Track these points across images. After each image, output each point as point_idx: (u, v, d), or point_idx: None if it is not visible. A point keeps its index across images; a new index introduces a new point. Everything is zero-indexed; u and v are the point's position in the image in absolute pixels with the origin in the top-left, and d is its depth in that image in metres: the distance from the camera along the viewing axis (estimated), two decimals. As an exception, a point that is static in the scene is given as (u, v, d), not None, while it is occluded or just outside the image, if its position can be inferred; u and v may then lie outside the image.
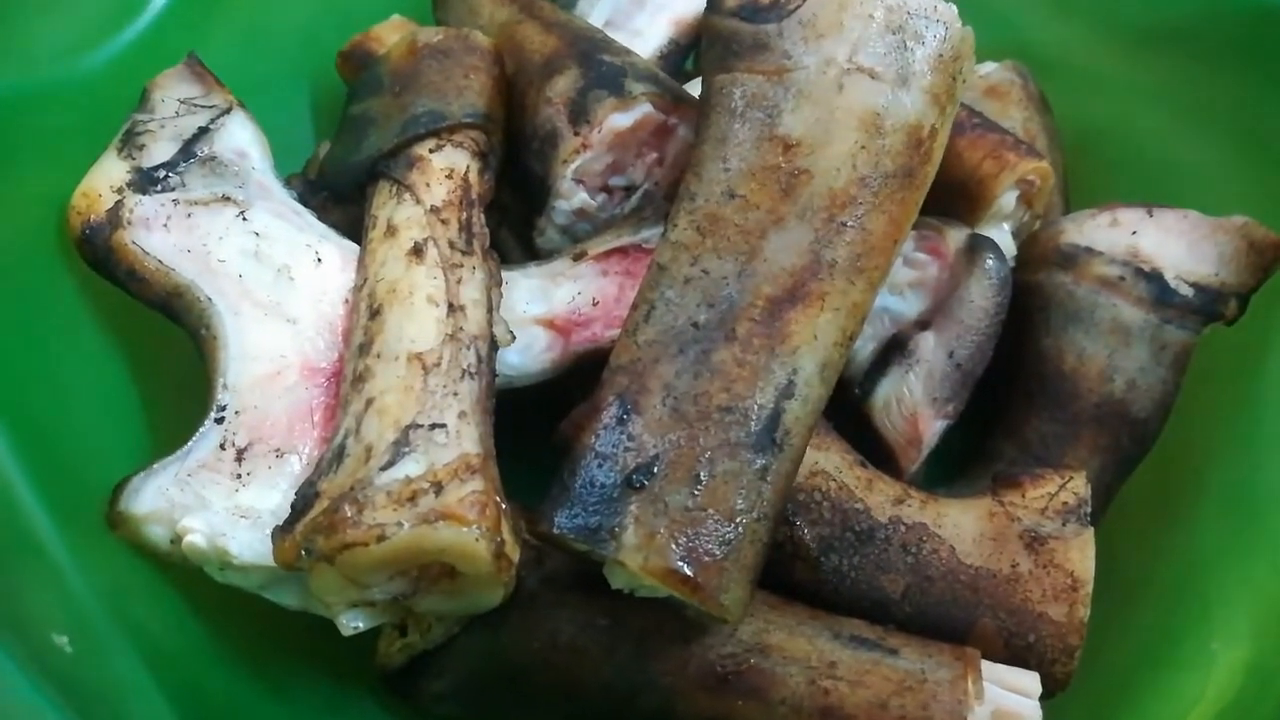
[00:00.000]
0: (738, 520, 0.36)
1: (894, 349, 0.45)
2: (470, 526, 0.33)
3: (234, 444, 0.39)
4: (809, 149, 0.38)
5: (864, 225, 0.38)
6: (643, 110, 0.45)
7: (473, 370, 0.38)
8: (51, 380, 0.41)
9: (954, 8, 0.39)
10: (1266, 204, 0.46)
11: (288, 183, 0.47)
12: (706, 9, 0.40)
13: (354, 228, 0.45)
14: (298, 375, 0.41)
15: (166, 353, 0.43)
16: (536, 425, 0.44)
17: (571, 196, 0.46)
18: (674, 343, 0.38)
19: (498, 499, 0.35)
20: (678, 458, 0.36)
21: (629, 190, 0.48)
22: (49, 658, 0.33)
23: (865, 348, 0.46)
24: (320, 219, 0.45)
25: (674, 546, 0.35)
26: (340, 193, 0.46)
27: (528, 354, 0.44)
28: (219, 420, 0.40)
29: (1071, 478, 0.41)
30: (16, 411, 0.39)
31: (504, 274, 0.44)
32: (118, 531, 0.37)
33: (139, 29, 0.49)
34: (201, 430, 0.39)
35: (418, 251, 0.41)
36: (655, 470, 0.36)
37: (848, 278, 0.38)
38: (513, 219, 0.50)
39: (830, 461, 0.43)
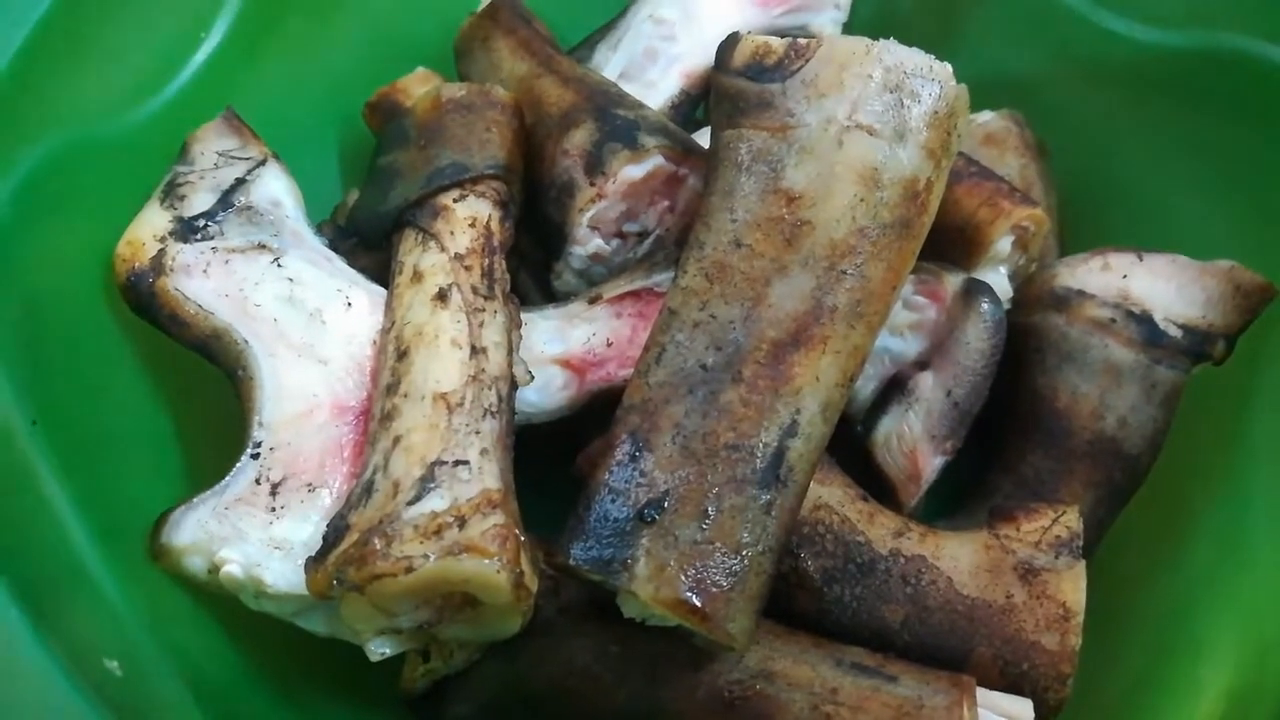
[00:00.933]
0: (744, 553, 0.38)
1: (894, 388, 0.47)
2: (492, 559, 0.36)
3: (269, 479, 0.41)
4: (811, 201, 0.40)
5: (863, 273, 0.40)
6: (655, 162, 0.47)
7: (494, 409, 0.41)
8: (98, 419, 0.44)
9: (949, 67, 0.41)
10: (1252, 248, 0.48)
11: (319, 230, 0.49)
12: (715, 68, 0.43)
13: (382, 272, 0.47)
14: (328, 413, 0.43)
15: (204, 393, 0.46)
16: (553, 458, 0.47)
17: (587, 242, 0.49)
18: (684, 383, 0.40)
19: (517, 532, 0.37)
20: (687, 493, 0.38)
21: (641, 235, 0.50)
22: (102, 681, 0.35)
23: (867, 386, 0.48)
24: (350, 264, 0.48)
25: (683, 578, 0.37)
26: (369, 239, 0.49)
27: (545, 392, 0.46)
28: (254, 456, 0.42)
29: (1064, 512, 0.43)
30: (67, 448, 0.41)
31: (523, 316, 0.47)
32: (160, 562, 0.40)
33: (179, 85, 0.51)
34: (238, 466, 0.42)
35: (442, 296, 0.43)
36: (666, 505, 0.38)
37: (848, 322, 0.40)
38: (531, 263, 0.53)
39: (833, 495, 0.45)
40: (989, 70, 0.58)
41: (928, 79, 0.41)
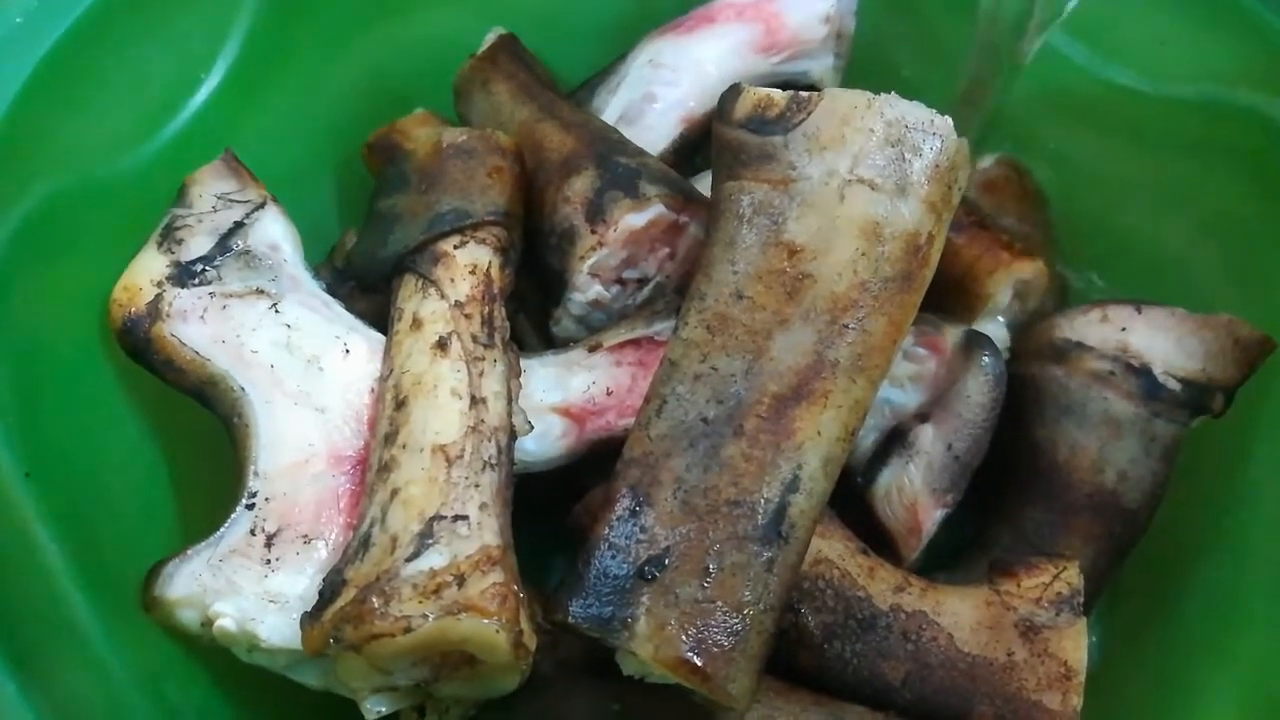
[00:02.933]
0: (745, 612, 0.37)
1: (895, 440, 0.47)
2: (491, 618, 0.35)
3: (264, 530, 0.41)
4: (812, 255, 0.40)
5: (865, 327, 0.40)
6: (656, 210, 0.47)
7: (493, 461, 0.40)
8: (92, 468, 0.43)
9: (949, 120, 0.41)
10: (1251, 302, 0.48)
11: (317, 273, 0.49)
12: (716, 119, 0.43)
13: (380, 316, 0.47)
14: (325, 463, 0.42)
15: (200, 441, 0.45)
16: (551, 506, 0.46)
17: (587, 289, 0.49)
18: (684, 437, 0.40)
19: (516, 589, 0.37)
20: (688, 550, 0.38)
21: (642, 282, 0.50)
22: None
23: (867, 438, 0.48)
24: (348, 308, 0.48)
25: (684, 637, 0.36)
26: (367, 284, 0.49)
27: (544, 441, 0.46)
28: (250, 506, 0.41)
29: (1065, 568, 0.43)
30: (59, 498, 0.41)
31: (523, 363, 0.46)
32: (152, 614, 0.39)
33: (178, 126, 0.51)
34: (233, 517, 0.41)
35: (442, 345, 0.43)
36: (666, 562, 0.38)
37: (850, 376, 0.40)
38: (530, 308, 0.53)
39: (834, 550, 0.44)
40: (991, 118, 0.59)
41: (929, 133, 0.41)
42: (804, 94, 0.41)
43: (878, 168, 0.40)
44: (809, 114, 0.41)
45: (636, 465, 0.40)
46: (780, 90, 0.41)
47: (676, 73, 0.57)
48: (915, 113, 0.40)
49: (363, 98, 0.60)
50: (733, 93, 0.42)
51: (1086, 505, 0.47)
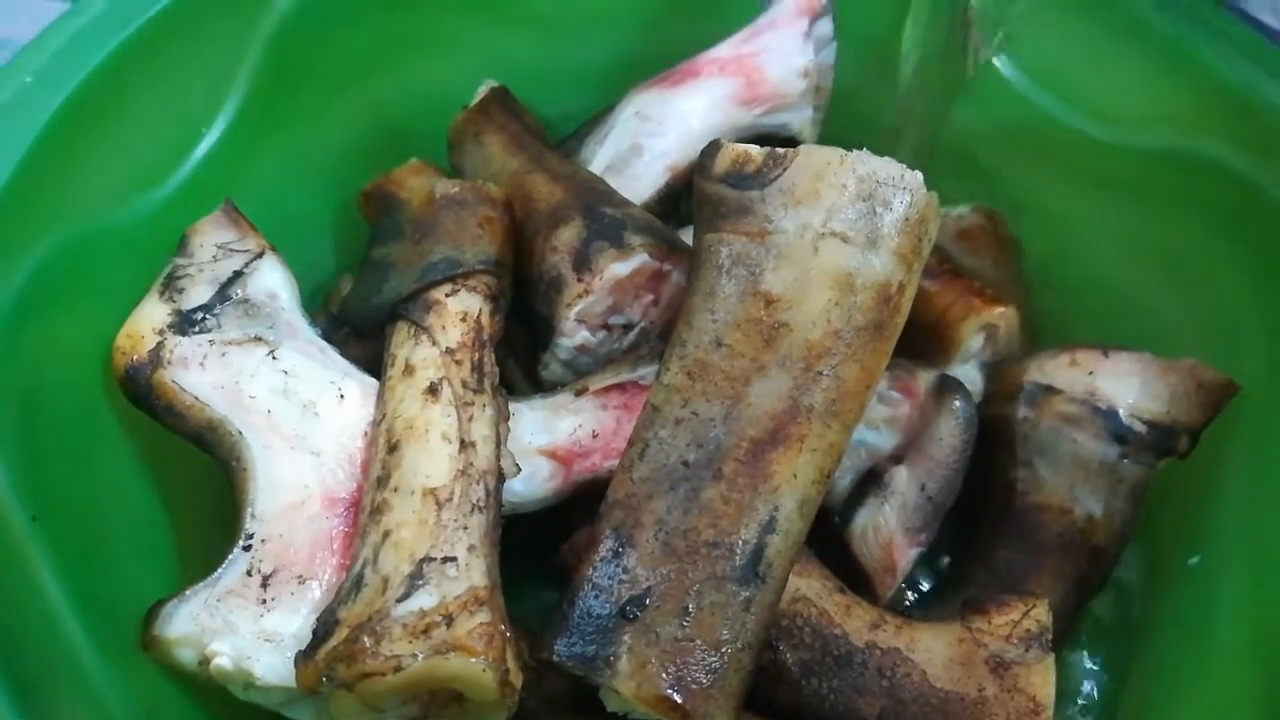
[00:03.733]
0: (723, 650, 0.39)
1: (870, 481, 0.48)
2: (479, 657, 0.36)
3: (260, 570, 0.42)
4: (788, 304, 0.42)
5: (838, 374, 0.42)
6: (640, 260, 0.49)
7: (481, 504, 0.42)
8: (93, 508, 0.45)
9: (919, 175, 0.43)
10: (1214, 346, 0.50)
11: (314, 319, 0.50)
12: (697, 173, 0.45)
13: (374, 361, 0.48)
14: (319, 505, 0.44)
15: (200, 484, 0.47)
16: (537, 544, 0.48)
17: (574, 335, 0.50)
18: (666, 480, 0.41)
19: (503, 628, 0.38)
20: (668, 590, 0.39)
21: (627, 328, 0.52)
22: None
23: (844, 479, 0.49)
24: (343, 354, 0.49)
25: (664, 675, 0.38)
26: (362, 330, 0.50)
27: (532, 482, 0.47)
28: (247, 548, 0.43)
29: (1034, 605, 0.44)
30: (61, 537, 0.42)
31: (511, 406, 0.48)
32: (150, 653, 0.41)
33: (181, 178, 0.53)
34: (230, 557, 0.42)
35: (433, 390, 0.45)
36: (647, 602, 0.39)
37: (824, 421, 0.42)
38: (520, 352, 0.54)
39: (811, 588, 0.46)
40: (966, 167, 0.61)
41: (899, 187, 0.43)
42: (780, 150, 0.43)
43: (850, 221, 0.42)
44: (784, 170, 0.43)
45: (620, 507, 0.41)
46: (757, 146, 0.43)
47: (662, 124, 0.59)
48: (886, 168, 0.42)
49: (359, 148, 0.63)
50: (712, 149, 0.44)
51: (1056, 544, 0.48)
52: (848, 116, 0.61)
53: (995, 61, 0.59)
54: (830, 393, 0.42)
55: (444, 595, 0.38)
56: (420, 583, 0.38)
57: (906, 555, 0.47)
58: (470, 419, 0.44)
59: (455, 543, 0.40)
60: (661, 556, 0.40)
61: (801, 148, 0.42)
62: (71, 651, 0.40)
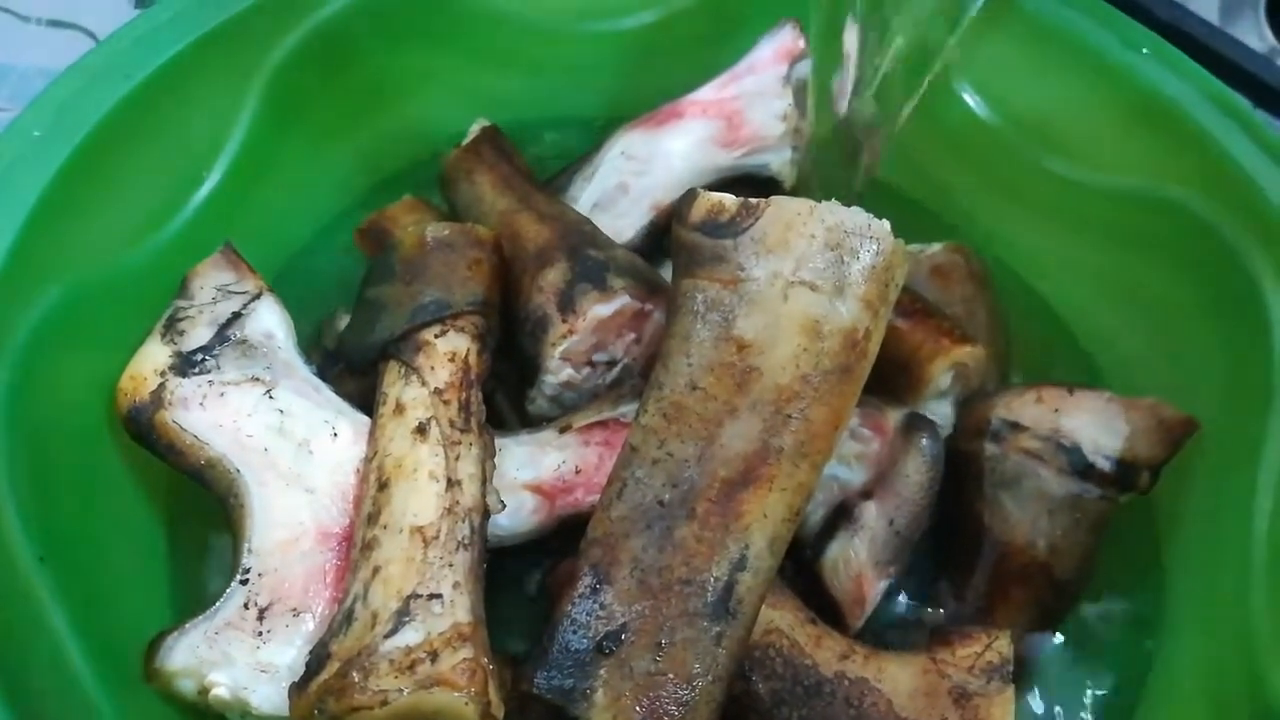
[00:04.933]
0: (695, 683, 0.41)
1: (841, 515, 0.50)
2: (461, 691, 0.39)
3: (256, 604, 0.44)
4: (759, 350, 0.44)
5: (807, 416, 0.44)
6: (621, 301, 0.51)
7: (466, 542, 0.44)
8: (98, 545, 0.47)
9: (886, 224, 0.45)
10: (1179, 385, 0.52)
11: (309, 356, 0.52)
12: (674, 222, 0.47)
13: (366, 396, 0.50)
14: (313, 540, 0.46)
15: (201, 519, 0.49)
16: (522, 576, 0.50)
17: (559, 372, 0.52)
18: (642, 519, 0.43)
19: (485, 662, 0.40)
20: (643, 626, 0.41)
21: (610, 364, 0.54)
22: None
23: (816, 513, 0.51)
24: (337, 390, 0.51)
25: (638, 708, 0.40)
26: (354, 367, 0.52)
27: (517, 516, 0.49)
28: (244, 581, 0.45)
29: (997, 637, 0.46)
30: (67, 575, 0.44)
31: (498, 441, 0.50)
32: (153, 684, 0.43)
33: (181, 222, 0.55)
34: (228, 591, 0.45)
35: (422, 430, 0.47)
36: (623, 637, 0.41)
37: (793, 462, 0.44)
38: (508, 386, 0.56)
39: (784, 620, 0.47)
40: (940, 201, 0.63)
41: (865, 236, 0.44)
42: (753, 201, 0.44)
43: (818, 270, 0.44)
44: (757, 220, 0.45)
45: (598, 545, 0.43)
46: (732, 196, 0.45)
47: (647, 164, 0.61)
48: (854, 219, 0.44)
49: (355, 186, 0.65)
50: (689, 197, 0.46)
51: (1020, 576, 0.50)
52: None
53: (970, 102, 0.61)
54: (799, 434, 0.44)
55: (429, 631, 0.40)
56: (407, 619, 0.41)
57: (875, 587, 0.49)
58: (457, 458, 0.46)
59: (441, 580, 0.42)
60: (637, 593, 0.42)
61: (774, 199, 0.44)
62: (77, 683, 0.42)
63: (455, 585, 0.42)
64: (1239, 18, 0.74)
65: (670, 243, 0.48)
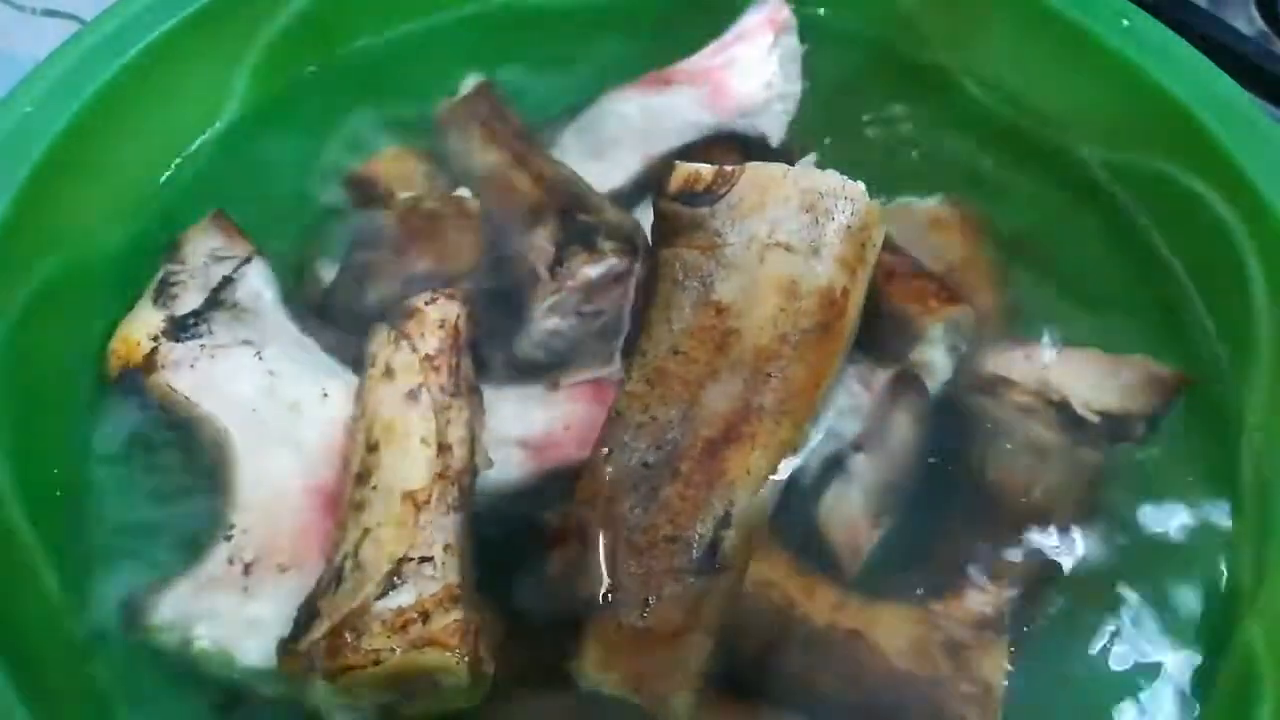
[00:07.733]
0: (682, 637, 0.42)
1: (835, 466, 0.51)
2: (453, 650, 0.40)
3: (242, 559, 0.45)
4: (738, 312, 0.44)
5: (786, 374, 0.44)
6: (609, 263, 0.51)
7: (456, 505, 0.44)
8: (85, 497, 0.48)
9: (860, 185, 0.45)
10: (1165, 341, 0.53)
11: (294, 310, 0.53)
12: (654, 194, 0.47)
13: (346, 350, 0.51)
14: (300, 496, 0.47)
15: (186, 475, 0.49)
16: (512, 533, 0.50)
17: (547, 322, 0.53)
18: (628, 481, 0.44)
19: (475, 622, 0.41)
20: (630, 584, 0.42)
21: (597, 315, 0.54)
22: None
23: (811, 464, 0.51)
24: (322, 343, 0.52)
25: (628, 663, 0.41)
26: (343, 327, 0.53)
27: (505, 469, 0.50)
28: (228, 538, 0.46)
29: (990, 590, 0.47)
30: (50, 525, 0.46)
31: (487, 396, 0.50)
32: (133, 637, 0.44)
33: (173, 189, 0.56)
34: (213, 547, 0.45)
35: (413, 395, 0.47)
36: (611, 596, 0.42)
37: (775, 419, 0.44)
38: (497, 337, 0.57)
39: (776, 571, 0.48)
40: (939, 156, 0.63)
41: (840, 197, 0.45)
42: (729, 168, 0.45)
43: (793, 232, 0.44)
44: (732, 186, 0.45)
45: (586, 506, 0.44)
46: (708, 165, 0.45)
47: (639, 120, 0.61)
48: (828, 181, 0.44)
49: (344, 133, 0.64)
50: (666, 168, 0.46)
51: (1015, 526, 0.50)
52: (816, 118, 0.62)
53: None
54: (779, 393, 0.44)
55: (420, 593, 0.41)
56: (399, 581, 0.41)
57: (869, 536, 0.49)
58: (448, 422, 0.46)
59: (432, 543, 0.43)
60: (625, 553, 0.43)
61: (749, 164, 0.44)
62: (66, 636, 0.44)
63: (446, 547, 0.43)
64: (1229, 1, 0.73)
65: (652, 221, 0.49)
